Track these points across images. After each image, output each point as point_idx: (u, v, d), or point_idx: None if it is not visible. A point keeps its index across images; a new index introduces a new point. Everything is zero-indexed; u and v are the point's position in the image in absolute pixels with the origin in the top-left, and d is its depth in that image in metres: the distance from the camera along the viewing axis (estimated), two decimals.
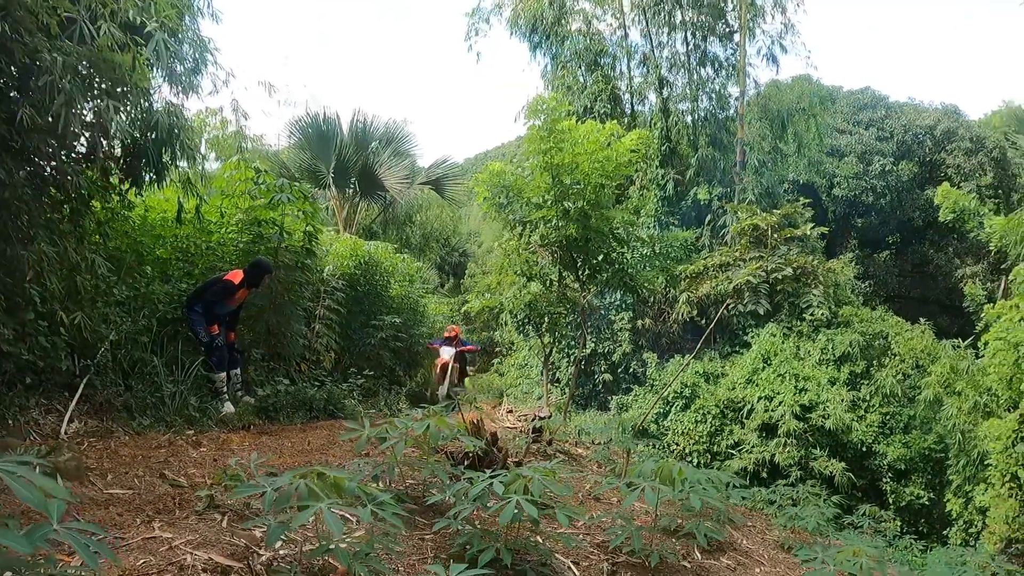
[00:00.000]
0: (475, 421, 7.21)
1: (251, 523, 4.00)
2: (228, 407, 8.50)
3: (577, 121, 12.64)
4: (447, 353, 14.73)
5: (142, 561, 3.44)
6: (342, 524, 3.33)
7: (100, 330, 7.18)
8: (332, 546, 3.35)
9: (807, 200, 18.74)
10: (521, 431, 10.07)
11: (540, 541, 4.73)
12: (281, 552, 3.87)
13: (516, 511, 3.98)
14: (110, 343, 7.31)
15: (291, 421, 9.04)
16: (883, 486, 14.54)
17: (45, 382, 6.49)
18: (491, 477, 4.36)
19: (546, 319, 13.09)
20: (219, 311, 8.87)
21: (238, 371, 9.33)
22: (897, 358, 15.54)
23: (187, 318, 8.72)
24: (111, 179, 7.79)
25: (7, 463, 2.33)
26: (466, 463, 6.20)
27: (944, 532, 13.46)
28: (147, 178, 8.02)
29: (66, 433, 6.11)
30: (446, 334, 15.39)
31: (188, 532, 3.97)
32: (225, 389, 8.75)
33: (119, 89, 6.55)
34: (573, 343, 17.97)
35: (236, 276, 8.97)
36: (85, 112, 6.59)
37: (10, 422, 5.81)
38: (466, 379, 15.77)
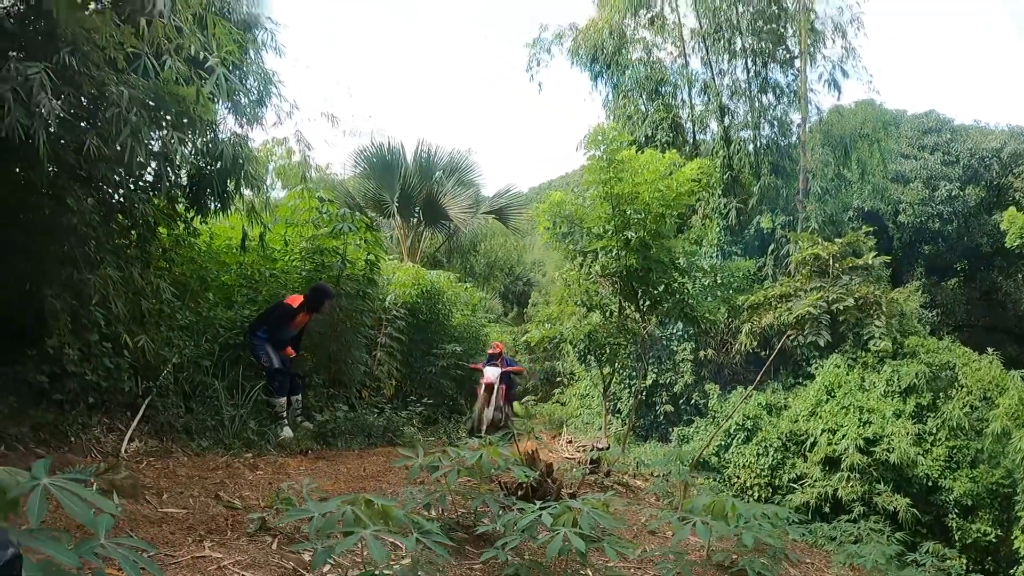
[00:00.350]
0: (530, 452, 7.17)
1: (300, 546, 4.01)
2: (287, 432, 8.59)
3: (638, 151, 12.61)
4: (492, 374, 13.23)
5: None
6: (387, 552, 3.32)
7: (163, 353, 7.33)
8: (377, 572, 3.34)
9: (872, 228, 18.30)
10: (579, 462, 9.98)
11: (589, 574, 4.66)
12: None
13: (564, 544, 3.93)
14: (173, 366, 7.46)
15: (349, 447, 9.09)
16: (948, 522, 13.99)
17: (108, 402, 6.64)
18: (541, 508, 4.32)
19: (606, 350, 13.01)
20: (281, 336, 9.01)
21: (299, 397, 9.43)
22: (964, 390, 15.00)
23: (249, 344, 8.88)
24: (177, 207, 8.02)
25: (59, 479, 2.39)
26: (519, 493, 6.16)
27: (1012, 571, 12.90)
28: (212, 206, 8.19)
29: (126, 452, 6.22)
30: (490, 351, 13.98)
31: (238, 553, 4.01)
32: (285, 414, 8.84)
33: (184, 121, 6.74)
34: (634, 373, 17.79)
35: (295, 300, 9.11)
36: (152, 143, 6.79)
37: (72, 439, 5.95)
38: (516, 404, 14.10)
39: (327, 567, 3.91)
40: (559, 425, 18.36)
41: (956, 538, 13.74)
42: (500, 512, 5.05)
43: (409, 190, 22.29)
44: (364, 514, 3.35)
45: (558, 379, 23.83)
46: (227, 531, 4.44)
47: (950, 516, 13.97)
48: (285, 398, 8.88)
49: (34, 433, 5.77)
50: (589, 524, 4.17)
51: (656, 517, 6.45)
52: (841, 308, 14.46)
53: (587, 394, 20.90)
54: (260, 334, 8.82)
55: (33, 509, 2.27)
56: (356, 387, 11.23)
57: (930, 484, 14.12)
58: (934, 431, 14.57)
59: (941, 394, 15.09)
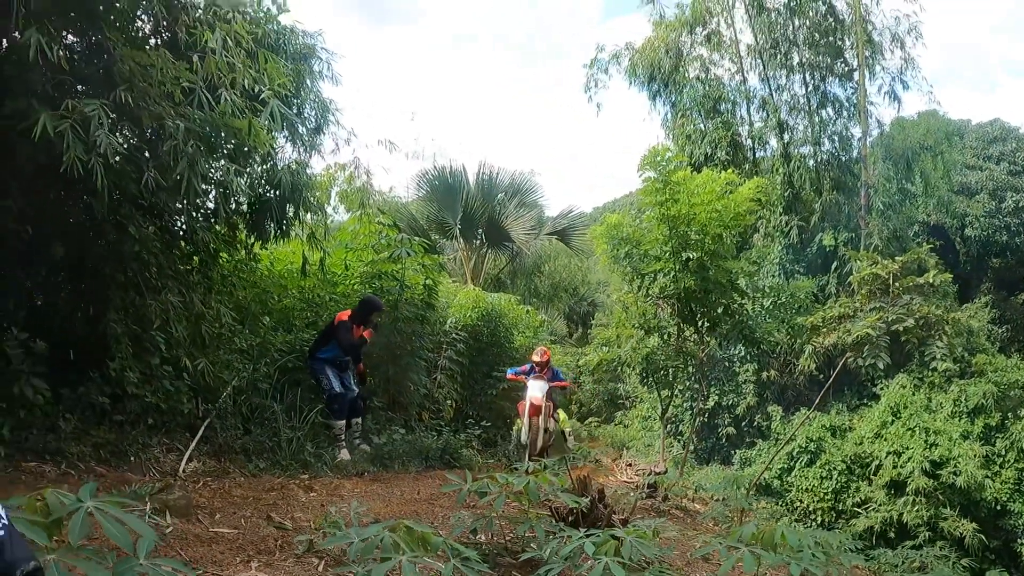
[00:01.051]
0: (582, 477, 7.15)
1: (345, 568, 4.06)
2: (344, 454, 8.69)
3: (696, 170, 12.54)
4: (538, 389, 11.48)
5: None
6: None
7: (223, 376, 7.53)
8: None
9: (937, 243, 17.92)
10: (636, 486, 9.91)
11: None
12: None
13: (604, 573, 3.92)
14: (232, 388, 7.64)
15: (405, 469, 9.14)
16: (1017, 548, 13.52)
17: (168, 423, 6.83)
18: (586, 536, 4.31)
19: (665, 372, 12.90)
20: (339, 355, 9.11)
21: (359, 420, 9.55)
22: None
23: (309, 367, 9.04)
24: (238, 233, 8.22)
25: (103, 502, 2.49)
26: (570, 519, 6.14)
27: None
28: (272, 232, 8.37)
29: (184, 471, 6.38)
30: (534, 357, 11.91)
31: (283, 574, 4.08)
32: (343, 437, 8.94)
33: (241, 151, 6.94)
34: (694, 396, 17.61)
35: (345, 315, 9.18)
36: (211, 172, 7.00)
37: (132, 459, 6.14)
38: (560, 414, 12.31)
39: None
40: (620, 448, 18.24)
41: None
42: (547, 538, 5.05)
43: (471, 212, 22.43)
44: (403, 540, 3.40)
45: (620, 401, 23.68)
46: (275, 552, 4.52)
47: (1019, 542, 13.51)
48: (344, 421, 8.98)
49: (95, 452, 5.96)
50: (631, 553, 4.16)
51: (707, 544, 6.35)
52: (902, 329, 14.11)
53: (649, 416, 20.74)
54: (319, 355, 8.97)
55: (75, 530, 2.38)
56: (415, 409, 11.33)
57: (998, 508, 13.70)
58: (1003, 453, 14.13)
59: (1010, 414, 14.61)
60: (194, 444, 6.84)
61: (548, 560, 4.49)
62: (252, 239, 8.37)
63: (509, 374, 12.24)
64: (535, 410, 11.32)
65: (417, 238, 12.18)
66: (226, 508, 5.44)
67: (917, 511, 13.47)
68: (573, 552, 4.26)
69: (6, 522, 1.69)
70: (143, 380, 6.41)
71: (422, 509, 6.99)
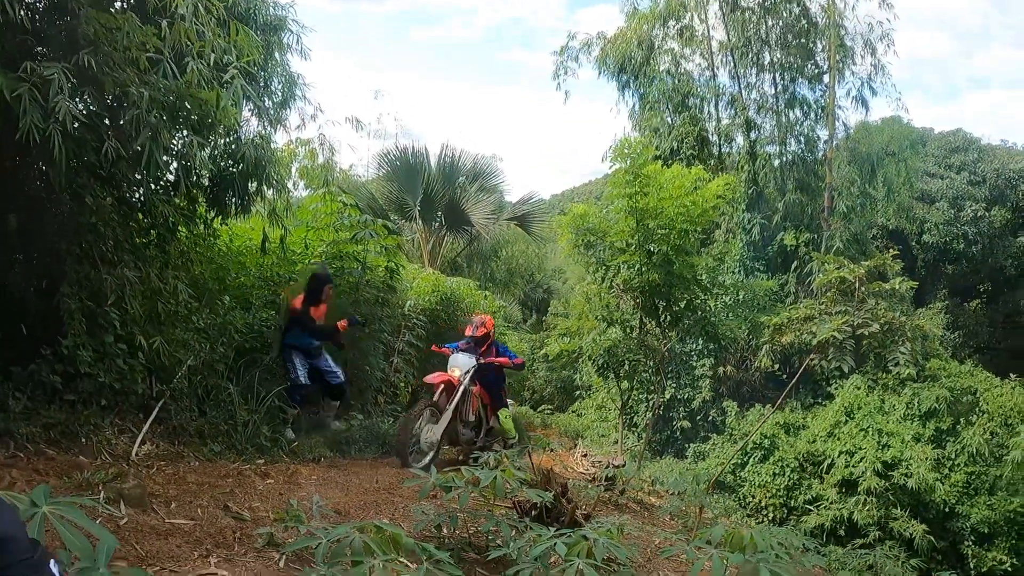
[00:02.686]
0: (545, 470, 7.07)
1: (308, 572, 3.90)
2: (289, 433, 8.52)
3: (663, 164, 12.48)
4: (461, 364, 9.03)
5: None
6: None
7: (178, 355, 7.27)
8: None
9: (896, 248, 18.08)
10: (594, 479, 9.84)
11: None
12: None
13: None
14: (188, 368, 7.39)
15: (363, 455, 9.00)
16: (964, 550, 13.79)
17: (121, 403, 6.57)
18: (555, 536, 4.23)
19: (625, 365, 12.87)
20: (305, 342, 8.96)
21: (337, 403, 9.53)
22: (985, 415, 14.75)
23: (281, 358, 8.94)
24: (198, 207, 7.96)
25: (60, 505, 2.31)
26: (534, 513, 6.05)
27: None
28: (233, 207, 8.12)
29: (137, 455, 6.14)
30: (468, 331, 9.53)
31: (243, 570, 3.92)
32: (292, 422, 8.75)
33: (206, 123, 6.68)
34: (652, 388, 17.64)
35: (297, 302, 9.00)
36: (173, 144, 6.75)
37: (83, 440, 5.88)
38: (502, 413, 9.80)
39: None
40: (574, 437, 18.20)
41: (972, 566, 13.61)
42: (512, 535, 4.95)
43: (432, 194, 22.21)
44: (373, 541, 3.26)
45: (576, 392, 23.69)
46: (234, 545, 4.35)
47: (966, 543, 13.81)
48: (297, 410, 8.82)
49: (45, 432, 5.70)
50: (603, 555, 4.08)
51: (670, 542, 6.29)
52: (866, 333, 14.21)
53: (604, 406, 20.76)
54: (287, 342, 8.90)
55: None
56: (372, 394, 11.16)
57: (947, 510, 13.96)
58: (953, 456, 14.41)
59: (962, 419, 14.90)
60: (147, 426, 6.59)
61: (518, 560, 4.39)
62: (212, 214, 8.11)
63: (435, 346, 10.26)
64: (446, 387, 8.83)
65: (379, 219, 11.97)
66: (182, 496, 5.23)
67: (868, 510, 13.66)
68: (544, 553, 4.16)
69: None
70: (97, 358, 6.14)
71: (382, 499, 6.84)
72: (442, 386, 8.80)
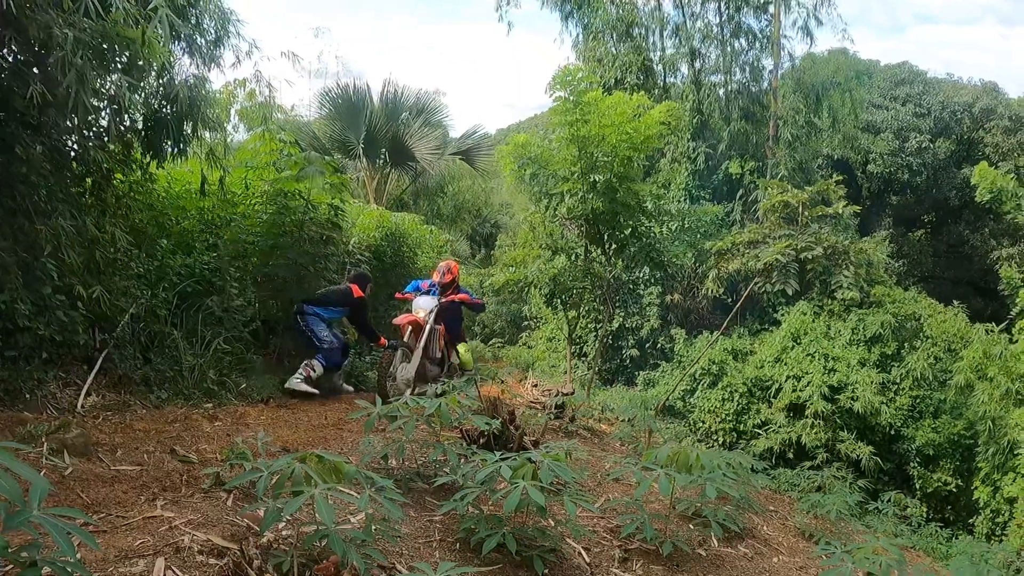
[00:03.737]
0: (492, 399, 7.16)
1: (255, 506, 3.97)
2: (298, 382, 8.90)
3: (607, 93, 12.48)
4: (424, 305, 9.79)
5: (139, 541, 3.43)
6: (333, 511, 3.27)
7: (120, 304, 7.17)
8: (328, 532, 3.30)
9: (841, 177, 18.33)
10: (544, 407, 10.01)
11: (551, 525, 4.67)
12: (284, 533, 3.84)
13: (522, 498, 3.92)
14: (130, 317, 7.31)
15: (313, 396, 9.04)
16: (910, 471, 14.31)
17: (63, 356, 6.51)
18: (500, 460, 4.30)
19: (572, 293, 12.99)
20: (336, 318, 9.75)
21: (347, 361, 10.16)
22: (929, 341, 15.15)
23: (301, 319, 9.33)
24: (133, 152, 7.79)
25: None
26: (481, 441, 6.14)
27: (971, 520, 13.22)
28: (169, 150, 7.96)
29: (83, 407, 6.12)
30: (434, 278, 10.23)
31: (191, 512, 3.96)
32: (314, 377, 9.06)
33: (136, 63, 6.51)
34: (600, 317, 17.83)
35: (357, 291, 9.72)
36: (106, 86, 6.58)
37: (27, 395, 5.83)
38: (461, 347, 10.70)
39: (282, 524, 3.87)
40: (525, 369, 18.41)
41: (917, 487, 14.10)
42: (460, 462, 5.04)
43: (375, 131, 21.95)
44: (315, 471, 3.31)
45: (524, 323, 23.88)
46: (181, 488, 4.39)
47: (912, 465, 14.31)
48: (322, 370, 9.21)
49: None
50: (548, 477, 4.17)
51: (619, 465, 6.46)
52: (810, 257, 14.46)
53: (553, 337, 20.99)
54: (319, 312, 9.42)
55: None
56: None
57: (893, 433, 14.43)
58: (898, 381, 14.82)
59: (906, 344, 15.31)
60: (92, 377, 6.55)
61: (464, 485, 4.48)
62: (148, 158, 7.93)
63: (397, 293, 11.09)
64: (413, 328, 9.57)
65: (324, 156, 11.81)
66: (128, 444, 5.24)
67: (816, 434, 14.06)
68: (489, 476, 4.25)
69: None
70: (35, 312, 6.02)
71: (331, 435, 6.93)
72: (409, 327, 9.55)
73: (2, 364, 5.84)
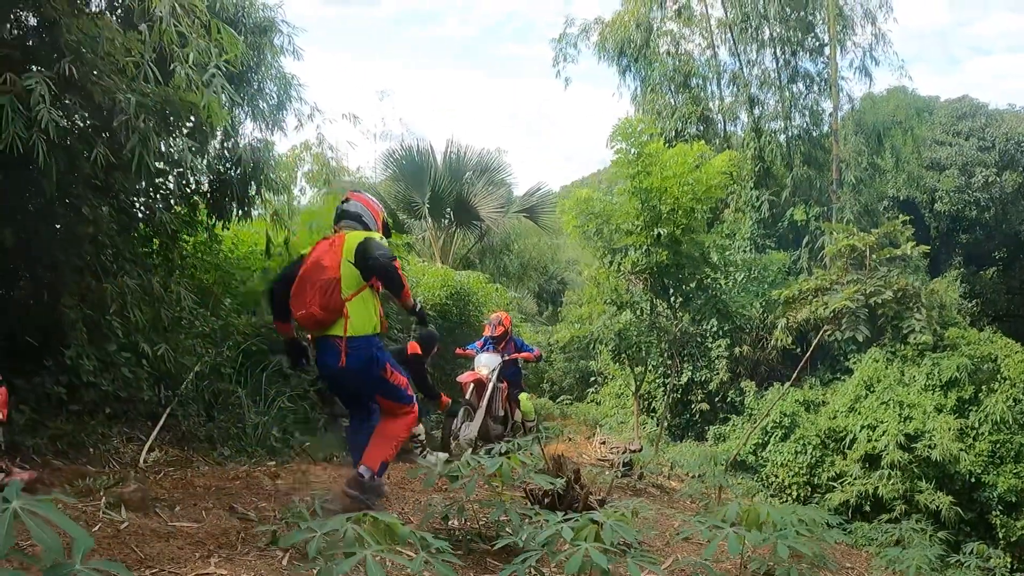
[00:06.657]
0: (557, 457, 7.01)
1: (310, 566, 3.87)
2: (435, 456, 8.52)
3: (667, 144, 12.43)
4: (487, 363, 9.72)
5: None
6: (384, 573, 3.15)
7: (184, 361, 7.27)
8: None
9: (908, 217, 17.86)
10: (611, 464, 9.79)
11: None
12: None
13: (584, 560, 3.76)
14: (194, 374, 7.39)
15: None
16: (992, 520, 13.57)
17: (128, 411, 6.60)
18: (563, 521, 4.15)
19: (638, 348, 12.81)
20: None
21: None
22: (1007, 382, 14.47)
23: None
24: (198, 214, 7.96)
25: (33, 502, 2.26)
26: (546, 501, 5.98)
27: None
28: (234, 212, 8.13)
29: (145, 462, 6.14)
30: (487, 332, 10.13)
31: (244, 569, 3.88)
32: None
33: (203, 127, 6.66)
34: (667, 372, 17.55)
35: (413, 348, 9.18)
36: (171, 150, 6.74)
37: (90, 450, 5.89)
38: (522, 397, 10.43)
39: None
40: (593, 425, 18.16)
41: (1000, 536, 13.34)
42: (521, 522, 4.89)
43: (439, 191, 22.25)
44: (367, 532, 3.21)
45: (592, 379, 23.63)
46: (237, 545, 4.31)
47: (994, 514, 13.57)
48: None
49: (52, 444, 5.72)
50: (611, 537, 4.01)
51: (687, 524, 6.22)
52: (880, 301, 14.04)
53: (621, 393, 20.68)
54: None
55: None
56: None
57: (973, 481, 13.73)
58: (976, 425, 14.14)
59: (983, 387, 14.64)
60: (155, 433, 6.60)
61: (525, 546, 4.33)
62: (213, 219, 8.11)
63: (458, 349, 10.93)
64: (477, 385, 9.49)
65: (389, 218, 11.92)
66: (187, 500, 5.21)
67: (892, 484, 13.47)
68: (551, 538, 4.10)
69: None
70: (100, 368, 6.15)
71: (393, 494, 6.80)
72: (472, 384, 9.48)
73: (66, 418, 5.94)
